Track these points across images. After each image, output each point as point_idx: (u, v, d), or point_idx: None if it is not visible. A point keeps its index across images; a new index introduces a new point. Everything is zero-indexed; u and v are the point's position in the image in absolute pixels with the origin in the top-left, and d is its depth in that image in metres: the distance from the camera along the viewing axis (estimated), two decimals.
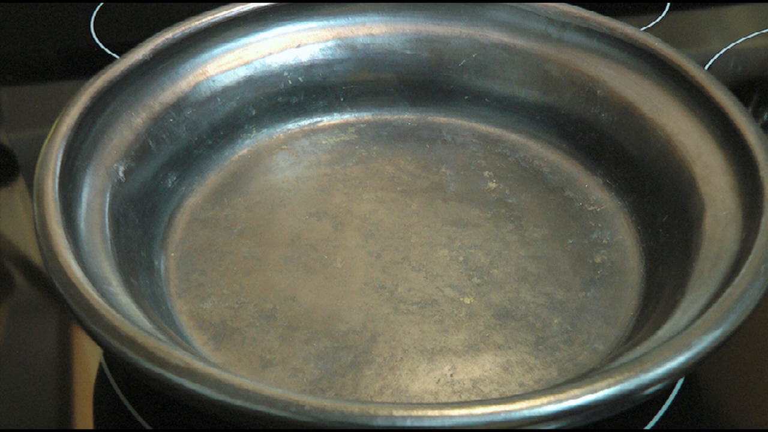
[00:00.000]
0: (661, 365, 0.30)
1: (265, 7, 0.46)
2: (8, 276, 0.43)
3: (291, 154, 0.46)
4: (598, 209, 0.43)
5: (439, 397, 0.35)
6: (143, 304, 0.35)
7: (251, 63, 0.46)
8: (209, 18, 0.44)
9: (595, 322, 0.38)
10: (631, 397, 0.29)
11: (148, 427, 0.35)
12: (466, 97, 0.48)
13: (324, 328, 0.37)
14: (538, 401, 0.28)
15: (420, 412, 0.28)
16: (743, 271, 0.33)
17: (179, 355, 0.29)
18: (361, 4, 0.47)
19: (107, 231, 0.37)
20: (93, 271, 0.34)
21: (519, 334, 0.37)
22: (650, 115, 0.43)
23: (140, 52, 0.42)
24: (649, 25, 0.60)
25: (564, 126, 0.46)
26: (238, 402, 0.28)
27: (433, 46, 0.48)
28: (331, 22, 0.47)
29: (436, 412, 0.28)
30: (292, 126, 0.47)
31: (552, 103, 0.46)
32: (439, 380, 0.36)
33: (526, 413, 0.28)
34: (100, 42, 0.58)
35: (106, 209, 0.38)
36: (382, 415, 0.28)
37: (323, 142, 0.47)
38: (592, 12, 0.45)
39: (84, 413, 0.36)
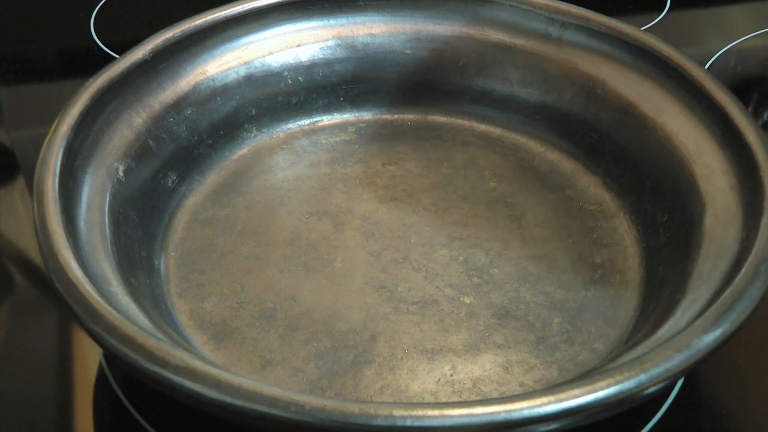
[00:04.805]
0: (661, 365, 0.30)
1: (265, 6, 0.46)
2: (8, 276, 0.43)
3: (291, 154, 0.46)
4: (598, 209, 0.43)
5: (439, 397, 0.35)
6: (143, 304, 0.35)
7: (251, 62, 0.46)
8: (209, 18, 0.44)
9: (595, 322, 0.38)
10: (631, 397, 0.29)
11: (148, 427, 0.35)
12: (466, 97, 0.48)
13: (324, 327, 0.37)
14: (538, 401, 0.28)
15: (420, 412, 0.28)
16: (743, 270, 0.33)
17: (179, 355, 0.29)
18: (361, 3, 0.47)
19: (107, 231, 0.37)
20: (93, 271, 0.34)
21: (519, 333, 0.37)
22: (650, 115, 0.43)
23: (140, 52, 0.42)
24: (649, 25, 0.60)
25: (564, 126, 0.46)
26: (238, 402, 0.28)
27: (433, 46, 0.48)
28: (331, 22, 0.47)
29: (436, 412, 0.28)
30: (292, 125, 0.47)
31: (552, 102, 0.46)
32: (439, 380, 0.36)
33: (526, 413, 0.28)
34: (100, 42, 0.58)
35: (106, 209, 0.38)
36: (382, 415, 0.28)
37: (323, 141, 0.47)
38: (592, 11, 0.45)
39: (84, 413, 0.36)
